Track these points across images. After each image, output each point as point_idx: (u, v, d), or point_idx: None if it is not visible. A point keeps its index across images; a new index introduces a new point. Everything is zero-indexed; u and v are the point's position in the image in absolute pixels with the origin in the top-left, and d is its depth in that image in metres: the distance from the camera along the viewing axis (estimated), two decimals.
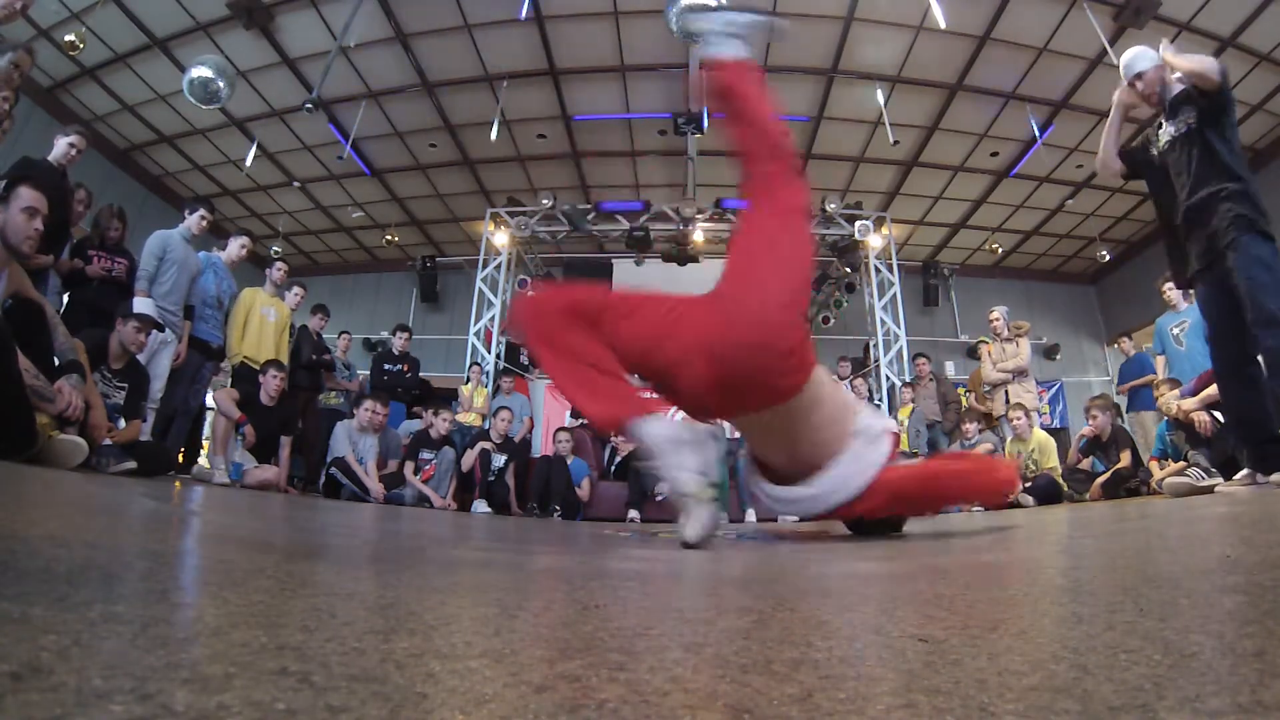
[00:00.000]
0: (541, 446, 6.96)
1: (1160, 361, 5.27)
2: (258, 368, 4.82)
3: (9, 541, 0.66)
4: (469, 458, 5.51)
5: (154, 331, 3.88)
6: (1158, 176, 2.92)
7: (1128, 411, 6.32)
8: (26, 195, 2.57)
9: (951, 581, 0.91)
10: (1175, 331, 5.12)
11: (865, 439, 1.77)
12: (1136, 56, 2.96)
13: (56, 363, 2.75)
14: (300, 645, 0.39)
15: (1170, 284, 5.15)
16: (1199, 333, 4.88)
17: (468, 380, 7.26)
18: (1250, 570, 0.76)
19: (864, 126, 8.40)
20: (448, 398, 6.65)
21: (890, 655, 0.45)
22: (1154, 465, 4.46)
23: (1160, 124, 2.95)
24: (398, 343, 6.98)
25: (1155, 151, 2.94)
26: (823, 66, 7.46)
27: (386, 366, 6.86)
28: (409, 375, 6.90)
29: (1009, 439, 5.48)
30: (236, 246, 5.11)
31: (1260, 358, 2.55)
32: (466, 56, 7.38)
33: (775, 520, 5.33)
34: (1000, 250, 10.85)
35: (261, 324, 5.12)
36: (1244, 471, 2.77)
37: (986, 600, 0.70)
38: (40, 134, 5.23)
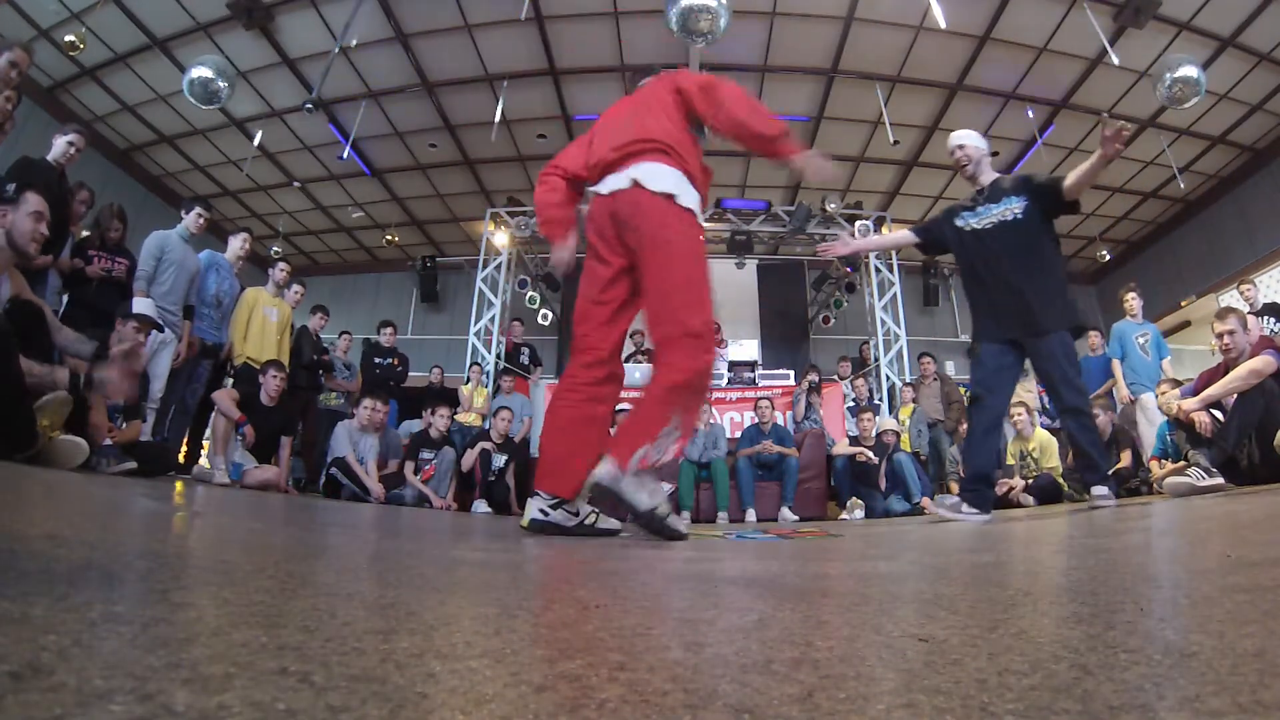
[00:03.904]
0: None
1: (1117, 365, 5.47)
2: (259, 368, 4.82)
3: (9, 541, 0.66)
4: (469, 458, 5.50)
5: (153, 331, 3.88)
6: (970, 249, 3.13)
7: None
8: (34, 200, 2.74)
9: (951, 581, 0.91)
10: (1141, 341, 5.43)
11: None
12: (964, 134, 3.48)
13: (57, 358, 2.78)
14: (300, 645, 0.39)
15: (1133, 293, 5.61)
16: (1158, 344, 5.41)
17: (468, 380, 7.26)
18: (1250, 570, 0.76)
19: (864, 126, 8.40)
20: (449, 398, 6.67)
21: (890, 655, 0.45)
22: (1154, 465, 4.46)
23: (977, 202, 3.18)
24: (384, 338, 7.05)
25: (973, 226, 3.14)
26: (823, 66, 7.46)
27: (377, 360, 6.90)
28: (399, 369, 6.94)
29: (1011, 438, 5.48)
30: (238, 244, 5.10)
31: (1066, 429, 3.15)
32: (466, 56, 7.37)
33: (775, 520, 5.33)
34: None
35: (264, 324, 5.12)
36: (954, 500, 3.14)
37: (986, 600, 0.70)
38: (40, 134, 5.22)
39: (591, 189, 2.14)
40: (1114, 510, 2.68)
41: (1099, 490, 2.94)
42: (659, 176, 1.98)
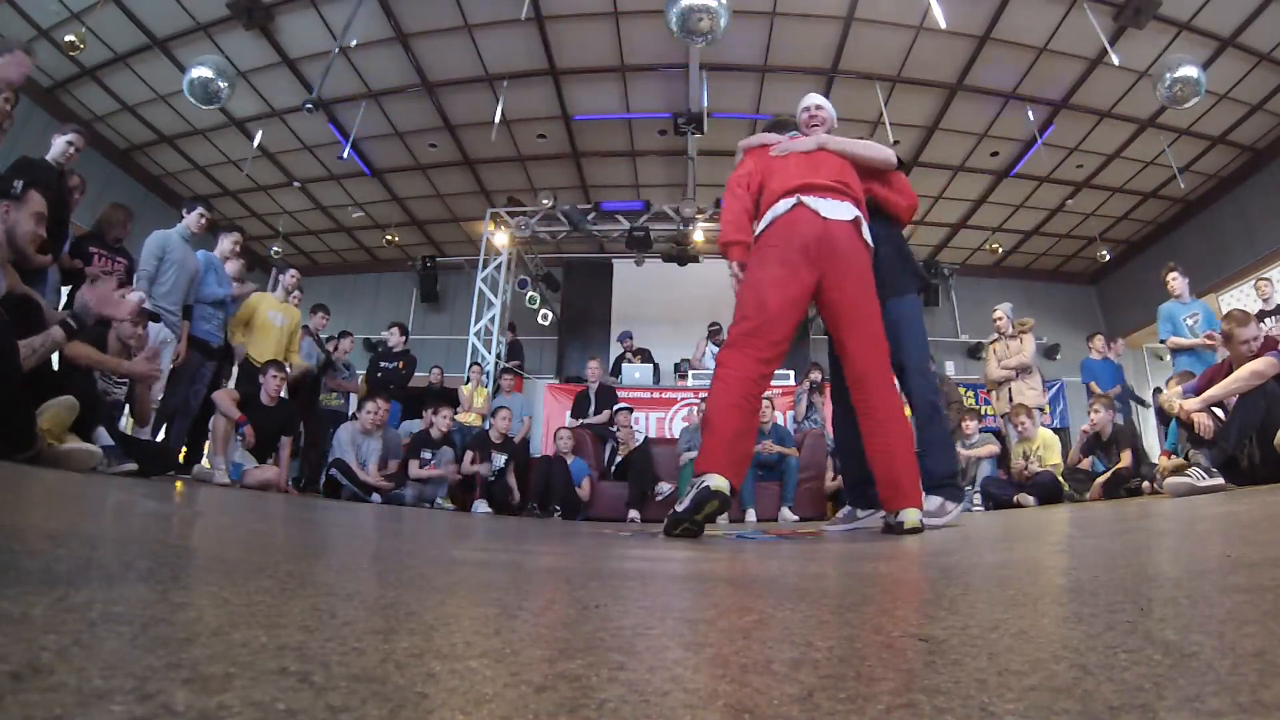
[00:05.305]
0: (541, 446, 6.96)
1: (1180, 341, 5.22)
2: (259, 368, 4.82)
3: (9, 541, 0.66)
4: (469, 458, 5.51)
5: (151, 324, 3.86)
6: None
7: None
8: (37, 201, 2.81)
9: (951, 581, 0.91)
10: (1190, 322, 5.19)
11: None
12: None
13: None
14: (300, 645, 0.39)
15: (1175, 273, 5.29)
16: (1210, 323, 5.09)
17: (468, 380, 7.26)
18: (1250, 570, 0.76)
19: (864, 126, 8.39)
20: (449, 398, 6.67)
21: (890, 655, 0.45)
22: (1163, 459, 4.43)
23: None
24: (394, 339, 7.03)
25: None
26: (823, 66, 7.46)
27: (383, 364, 6.90)
28: (404, 371, 6.94)
29: (1014, 441, 5.48)
30: (229, 243, 5.08)
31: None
32: (466, 56, 7.37)
33: (775, 520, 5.33)
34: (1000, 250, 10.85)
35: (266, 328, 5.09)
36: (845, 509, 2.82)
37: (986, 600, 0.70)
38: (40, 134, 5.22)
39: (800, 197, 2.28)
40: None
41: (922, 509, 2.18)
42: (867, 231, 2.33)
